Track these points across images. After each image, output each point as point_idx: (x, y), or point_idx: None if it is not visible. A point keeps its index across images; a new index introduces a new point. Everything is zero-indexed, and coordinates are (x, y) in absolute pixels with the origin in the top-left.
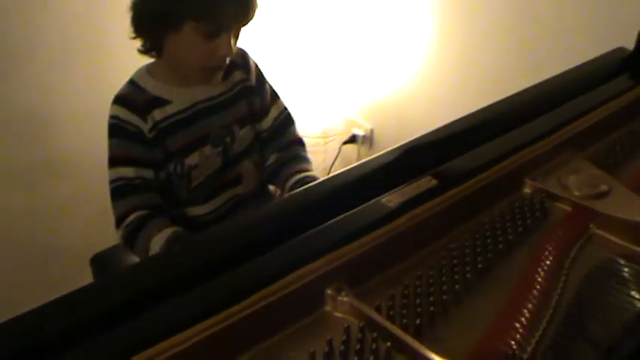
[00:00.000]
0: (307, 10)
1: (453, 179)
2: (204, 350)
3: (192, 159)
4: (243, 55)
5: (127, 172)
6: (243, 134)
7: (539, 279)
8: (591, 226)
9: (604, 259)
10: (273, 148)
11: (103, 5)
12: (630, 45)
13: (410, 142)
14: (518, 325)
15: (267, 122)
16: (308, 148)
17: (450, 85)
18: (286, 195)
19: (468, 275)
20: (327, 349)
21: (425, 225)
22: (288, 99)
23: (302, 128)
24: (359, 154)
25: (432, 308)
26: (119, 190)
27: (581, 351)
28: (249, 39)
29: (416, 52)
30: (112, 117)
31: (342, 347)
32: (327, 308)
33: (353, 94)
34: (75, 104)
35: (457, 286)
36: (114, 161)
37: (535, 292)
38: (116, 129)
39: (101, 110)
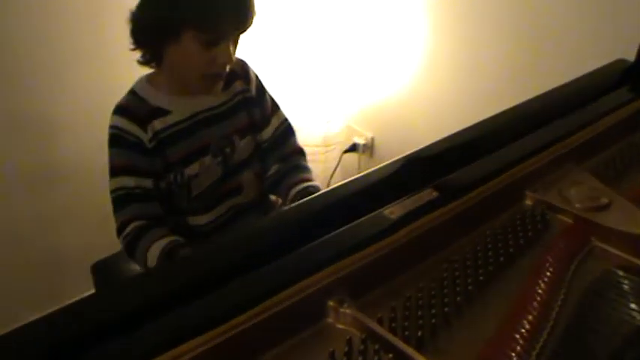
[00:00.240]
0: (307, 17)
1: (455, 191)
2: None
3: (193, 169)
4: (243, 66)
5: (128, 181)
6: (244, 145)
7: (540, 291)
8: (592, 238)
9: (604, 272)
10: (274, 158)
11: (105, 11)
12: (631, 56)
13: (411, 154)
14: (519, 337)
15: (267, 133)
16: (308, 156)
17: (450, 93)
18: (288, 207)
19: (470, 287)
20: None
21: (426, 237)
22: (289, 108)
23: (303, 137)
24: (359, 162)
25: (433, 320)
26: (120, 200)
27: None
28: (248, 48)
29: (415, 60)
30: (112, 127)
31: (345, 359)
32: (329, 320)
33: (353, 102)
34: (77, 110)
35: (458, 298)
36: (114, 171)
37: (536, 304)
38: (116, 139)
39: (103, 116)
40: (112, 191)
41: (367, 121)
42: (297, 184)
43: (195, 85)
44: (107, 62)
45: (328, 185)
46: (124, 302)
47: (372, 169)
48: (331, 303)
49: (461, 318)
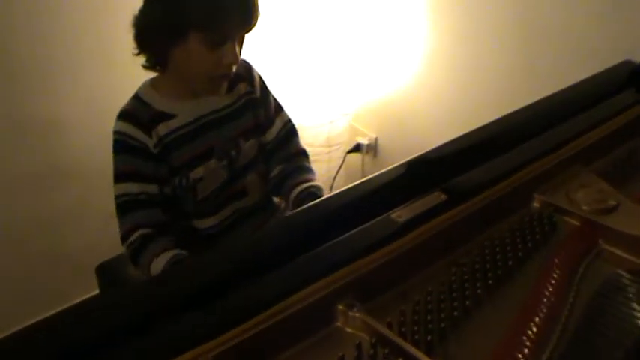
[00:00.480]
0: (310, 17)
1: (463, 194)
2: None
3: (197, 173)
4: (246, 68)
5: (132, 188)
6: (249, 147)
7: (549, 294)
8: (600, 241)
9: (612, 275)
10: (277, 159)
11: (109, 12)
12: (637, 57)
13: (418, 157)
14: (528, 341)
15: (271, 134)
16: (312, 157)
17: (452, 92)
18: (296, 211)
19: (479, 291)
20: None
21: (435, 240)
22: (293, 108)
23: (306, 137)
24: (363, 163)
25: (443, 324)
26: (124, 207)
27: None
28: (251, 49)
29: (418, 59)
30: (116, 132)
31: None
32: (339, 324)
33: (357, 102)
34: (81, 111)
35: (467, 302)
36: (119, 177)
37: (545, 307)
38: (121, 145)
39: (108, 117)
40: (117, 197)
41: (371, 121)
42: (299, 184)
43: (202, 87)
44: (111, 63)
45: (332, 185)
46: (136, 305)
47: (380, 172)
48: (341, 307)
49: (470, 322)
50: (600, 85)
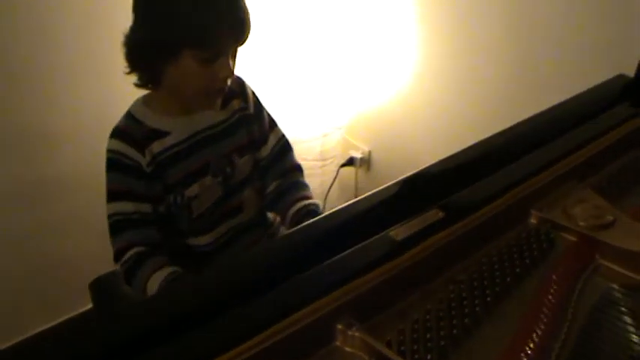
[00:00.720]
0: (302, 31)
1: (460, 211)
2: None
3: (193, 190)
4: (240, 84)
5: (125, 207)
6: (243, 163)
7: (548, 311)
8: (597, 256)
9: (610, 291)
10: (272, 175)
11: (100, 25)
12: (630, 71)
13: (414, 174)
14: (528, 358)
15: (266, 150)
16: (306, 171)
17: (445, 105)
18: (293, 230)
19: (477, 308)
20: None
21: (433, 258)
22: (286, 123)
23: (300, 151)
24: (356, 176)
25: (442, 342)
26: (117, 226)
27: None
28: (244, 63)
29: (410, 72)
30: (109, 151)
31: None
32: (338, 343)
33: (350, 116)
34: (75, 123)
35: (466, 320)
36: (112, 196)
37: (543, 325)
38: (114, 163)
39: (102, 129)
40: (109, 216)
41: (364, 134)
42: (296, 202)
43: (197, 103)
44: (101, 77)
45: (325, 199)
46: (130, 326)
47: (376, 189)
48: (339, 326)
49: (469, 340)
50: (594, 100)
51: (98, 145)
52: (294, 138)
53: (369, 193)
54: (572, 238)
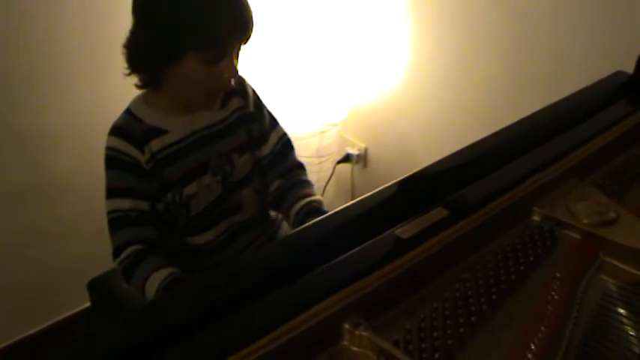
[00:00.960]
0: (297, 29)
1: (465, 209)
2: None
3: (191, 188)
4: (240, 82)
5: (124, 203)
6: (243, 162)
7: (553, 309)
8: (600, 254)
9: (614, 287)
10: (275, 174)
11: (96, 26)
12: (629, 68)
13: (416, 173)
14: (534, 356)
15: (267, 149)
16: None
17: (440, 101)
18: (298, 228)
19: (484, 307)
20: None
21: (438, 256)
22: (283, 121)
23: (297, 149)
24: (353, 173)
25: (449, 341)
26: (115, 222)
27: None
28: (240, 62)
29: (406, 68)
30: (108, 148)
31: None
32: (345, 343)
33: (346, 113)
34: (71, 123)
35: (473, 319)
36: (110, 193)
37: (549, 322)
38: (113, 160)
39: (96, 131)
40: (108, 213)
41: (360, 131)
42: (300, 199)
43: (198, 103)
44: (96, 78)
45: (322, 195)
46: (130, 335)
47: (380, 188)
48: (347, 326)
49: (476, 338)
50: (594, 97)
51: (94, 145)
52: (291, 136)
53: (374, 191)
54: (576, 236)
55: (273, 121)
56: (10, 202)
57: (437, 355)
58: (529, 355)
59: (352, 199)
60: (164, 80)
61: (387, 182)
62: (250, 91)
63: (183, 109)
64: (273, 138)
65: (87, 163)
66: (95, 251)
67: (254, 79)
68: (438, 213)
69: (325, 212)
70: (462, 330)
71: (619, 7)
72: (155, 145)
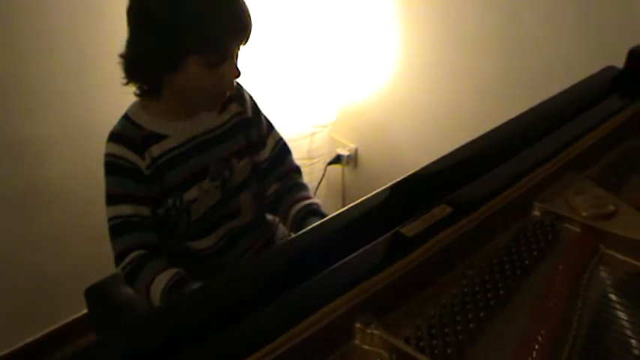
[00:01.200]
0: (286, 31)
1: (468, 206)
2: None
3: (191, 194)
4: (237, 88)
5: (125, 209)
6: (242, 167)
7: (558, 302)
8: (601, 246)
9: (616, 279)
10: (272, 178)
11: (87, 33)
12: (619, 63)
13: (415, 172)
14: (542, 348)
15: (265, 153)
16: None
17: (430, 100)
18: (302, 231)
19: (491, 302)
20: None
21: (443, 253)
22: (274, 123)
23: None
24: (343, 174)
25: (460, 337)
26: (117, 229)
27: None
28: None
29: (395, 68)
30: (107, 155)
31: None
32: (356, 342)
33: (335, 114)
34: (65, 130)
35: (482, 314)
36: (111, 199)
37: (555, 315)
38: (112, 166)
39: (90, 139)
40: (109, 219)
41: (350, 132)
42: (297, 202)
43: (201, 107)
44: (93, 81)
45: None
46: (136, 342)
47: (381, 188)
48: (358, 325)
49: (485, 333)
50: (585, 92)
51: (87, 149)
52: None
53: (375, 192)
54: (576, 229)
55: (270, 126)
56: (5, 208)
57: (449, 351)
58: (537, 347)
59: (343, 200)
60: (165, 87)
61: (378, 182)
62: (248, 97)
63: (183, 115)
64: (271, 143)
65: (81, 167)
66: (93, 256)
67: (244, 83)
68: (442, 210)
69: (323, 214)
70: (472, 325)
71: (606, 3)
72: (155, 150)
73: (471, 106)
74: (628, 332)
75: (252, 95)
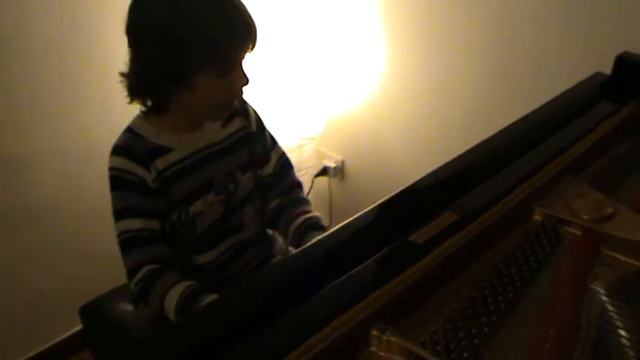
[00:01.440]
0: (274, 43)
1: (473, 213)
2: None
3: (196, 207)
4: (242, 103)
5: (134, 224)
6: (245, 181)
7: (565, 304)
8: (602, 248)
9: (618, 279)
10: (275, 192)
11: (76, 50)
12: (606, 69)
13: (415, 183)
14: (554, 349)
15: (268, 169)
16: None
17: (415, 111)
18: (311, 243)
19: (502, 305)
20: None
21: (451, 259)
22: None
23: None
24: (330, 186)
25: (475, 340)
26: (127, 244)
27: None
28: None
29: (379, 79)
30: (112, 169)
31: None
32: (373, 349)
33: (322, 126)
34: (55, 146)
35: (494, 317)
36: (119, 214)
37: (564, 316)
38: (117, 181)
39: (83, 152)
40: (119, 235)
41: (336, 144)
42: (299, 216)
43: (209, 115)
44: (83, 96)
45: None
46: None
47: (385, 198)
48: (374, 332)
49: (498, 337)
50: (577, 98)
51: (79, 168)
52: None
53: (378, 202)
54: (577, 232)
55: (273, 141)
56: None
57: (465, 355)
58: (547, 346)
59: (330, 212)
60: (172, 102)
61: (365, 193)
62: (252, 112)
63: (187, 128)
64: (274, 158)
65: (63, 188)
66: (84, 272)
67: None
68: (448, 218)
69: (324, 228)
70: (485, 329)
71: (593, 11)
72: (160, 163)
73: (458, 117)
74: (634, 334)
75: (256, 110)
